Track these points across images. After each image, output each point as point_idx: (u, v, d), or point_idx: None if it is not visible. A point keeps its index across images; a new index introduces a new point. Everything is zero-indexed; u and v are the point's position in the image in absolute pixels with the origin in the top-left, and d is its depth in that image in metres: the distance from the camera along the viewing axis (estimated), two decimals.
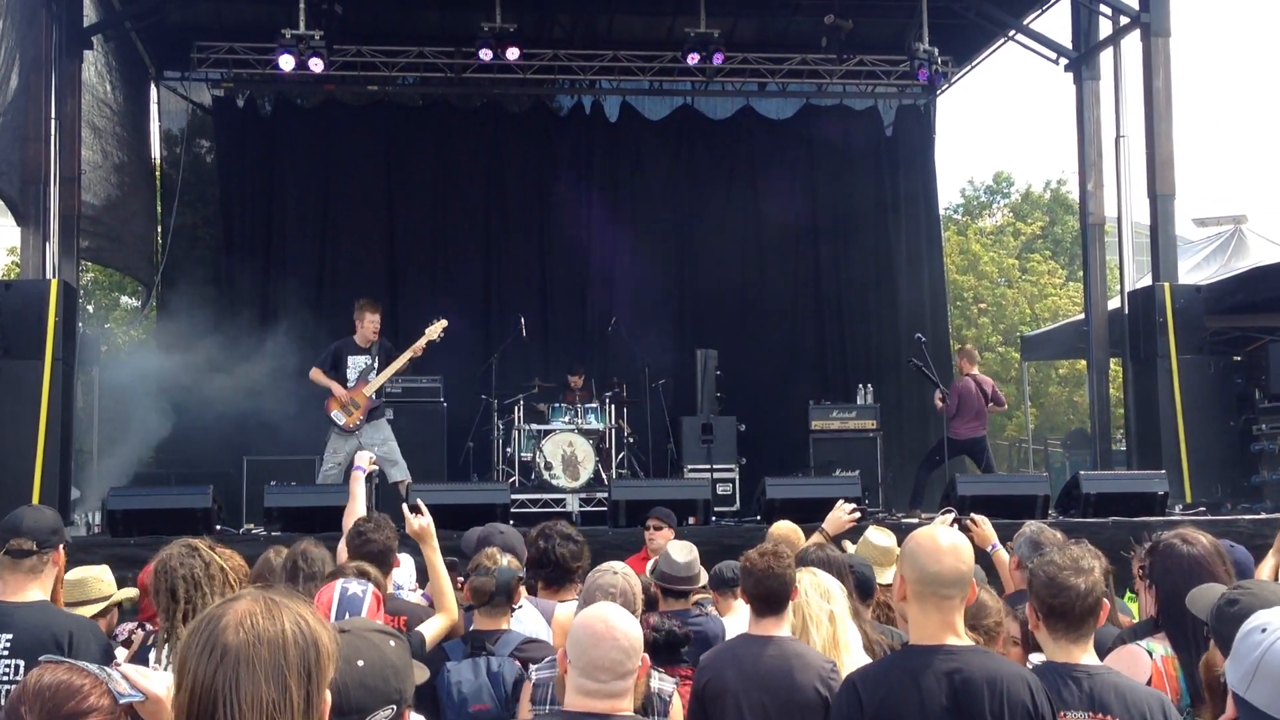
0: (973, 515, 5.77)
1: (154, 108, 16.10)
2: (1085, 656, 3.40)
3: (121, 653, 4.78)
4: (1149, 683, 3.49)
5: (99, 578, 4.86)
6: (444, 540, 8.98)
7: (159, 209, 16.05)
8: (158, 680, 2.00)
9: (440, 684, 4.17)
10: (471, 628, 4.41)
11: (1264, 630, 2.01)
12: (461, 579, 4.79)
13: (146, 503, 9.56)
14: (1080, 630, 3.40)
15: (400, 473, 10.60)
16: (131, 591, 5.13)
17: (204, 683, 1.79)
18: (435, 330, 10.46)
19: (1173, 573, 3.71)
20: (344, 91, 16.49)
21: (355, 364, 10.53)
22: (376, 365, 10.49)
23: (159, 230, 15.88)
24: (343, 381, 10.48)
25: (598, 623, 3.07)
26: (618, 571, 4.42)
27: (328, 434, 10.73)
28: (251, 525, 10.74)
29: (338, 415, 10.46)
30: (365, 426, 10.46)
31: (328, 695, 1.88)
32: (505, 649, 4.21)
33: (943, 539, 3.19)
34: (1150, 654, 3.62)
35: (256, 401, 13.50)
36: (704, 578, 5.36)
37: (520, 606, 4.59)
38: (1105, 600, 3.50)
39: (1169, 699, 3.36)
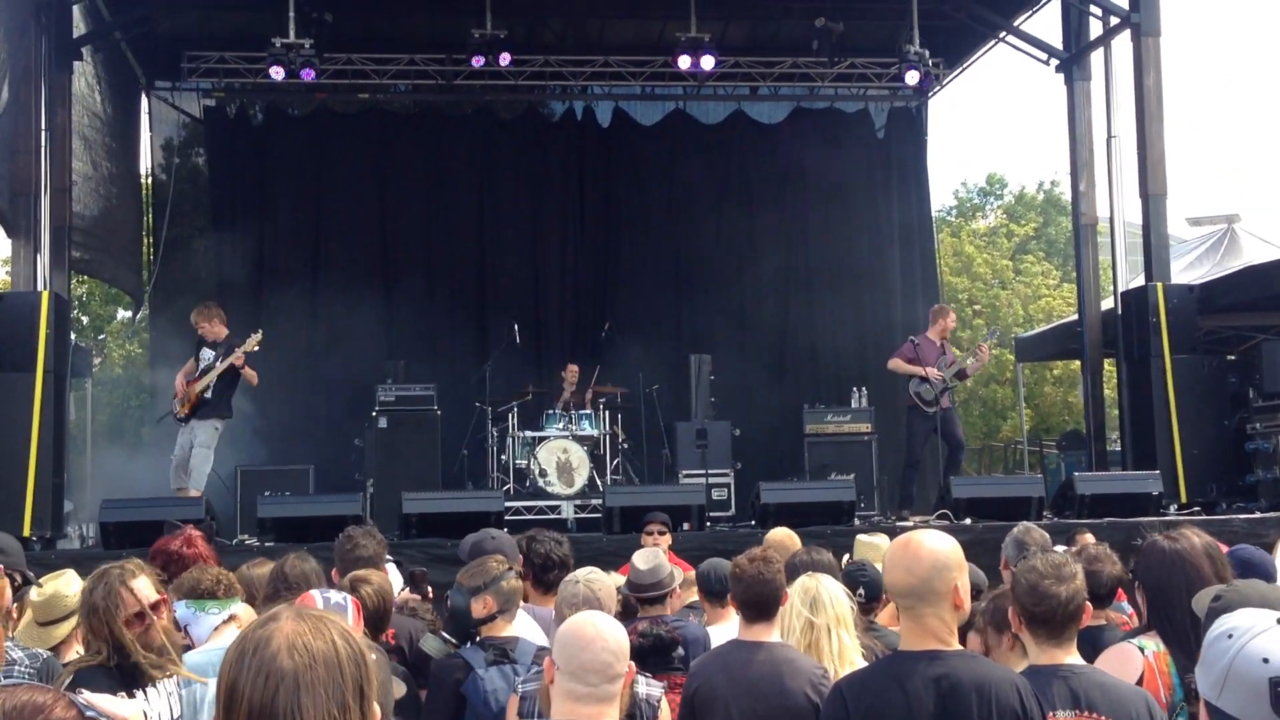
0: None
1: (145, 119, 16.08)
2: (1069, 657, 3.43)
3: None
4: (1141, 679, 3.50)
5: (60, 593, 4.67)
6: (437, 549, 9.04)
7: (150, 220, 16.03)
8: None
9: (472, 692, 4.13)
10: (483, 635, 4.31)
11: (1230, 636, 2.00)
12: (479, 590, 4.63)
13: (140, 515, 9.53)
14: (1063, 634, 3.44)
15: (183, 480, 10.50)
16: None
17: (262, 707, 1.77)
18: (252, 343, 10.50)
19: (1155, 570, 3.72)
20: (335, 100, 16.51)
21: (204, 357, 10.81)
22: (217, 363, 10.60)
23: (149, 241, 15.86)
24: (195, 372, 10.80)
25: (586, 627, 3.14)
26: (579, 580, 4.44)
27: None
28: (245, 536, 10.73)
29: (174, 404, 10.83)
30: (193, 421, 10.62)
31: (376, 708, 1.88)
32: (525, 657, 4.19)
33: (911, 549, 3.16)
34: (1142, 650, 3.62)
35: (249, 412, 13.47)
36: (679, 578, 5.39)
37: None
38: (1088, 604, 3.51)
39: (1153, 697, 3.37)
